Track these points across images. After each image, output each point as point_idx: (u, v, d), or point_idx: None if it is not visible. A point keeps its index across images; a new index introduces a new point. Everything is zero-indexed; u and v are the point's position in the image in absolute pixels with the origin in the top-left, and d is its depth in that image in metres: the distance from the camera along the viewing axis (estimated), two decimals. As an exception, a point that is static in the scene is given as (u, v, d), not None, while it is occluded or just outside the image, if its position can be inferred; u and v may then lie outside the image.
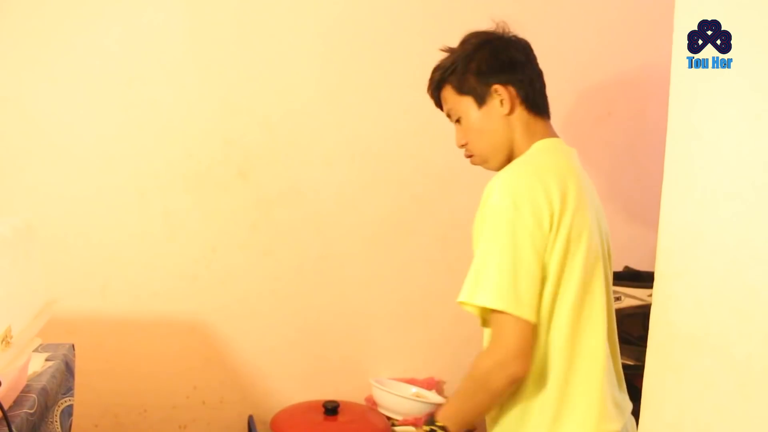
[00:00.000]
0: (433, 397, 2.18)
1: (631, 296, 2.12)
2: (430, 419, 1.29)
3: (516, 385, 1.22)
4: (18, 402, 1.11)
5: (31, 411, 1.11)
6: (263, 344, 2.19)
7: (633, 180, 2.44)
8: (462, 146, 1.42)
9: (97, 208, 2.01)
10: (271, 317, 2.18)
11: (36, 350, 1.37)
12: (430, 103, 1.49)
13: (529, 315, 1.18)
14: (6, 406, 0.94)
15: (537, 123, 1.36)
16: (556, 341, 1.25)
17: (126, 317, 2.06)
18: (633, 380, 1.69)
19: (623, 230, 2.48)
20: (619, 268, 2.38)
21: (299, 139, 2.13)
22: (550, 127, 1.39)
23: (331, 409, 2.02)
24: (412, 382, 2.26)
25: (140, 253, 2.06)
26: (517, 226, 1.19)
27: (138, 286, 2.07)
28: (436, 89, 1.43)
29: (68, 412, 1.33)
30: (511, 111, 1.34)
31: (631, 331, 2.13)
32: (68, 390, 1.35)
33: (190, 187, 2.06)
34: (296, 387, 2.22)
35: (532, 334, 1.19)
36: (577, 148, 2.41)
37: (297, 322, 2.21)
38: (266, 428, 2.09)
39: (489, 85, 1.34)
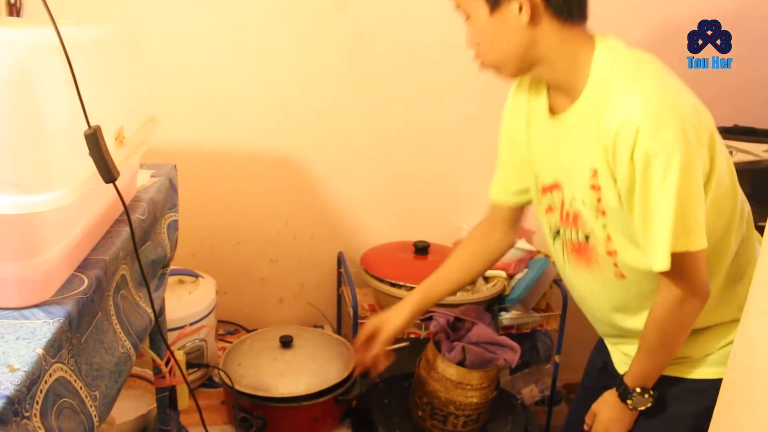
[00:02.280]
0: (522, 244, 2.16)
1: (744, 151, 1.99)
2: (625, 389, 1.28)
3: None
4: (130, 208, 1.13)
5: (143, 217, 1.13)
6: (356, 183, 2.19)
7: (742, 34, 2.26)
8: (471, 47, 1.22)
9: (192, 38, 1.97)
10: (364, 155, 2.16)
11: (141, 167, 1.39)
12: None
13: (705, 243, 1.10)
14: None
15: (572, 31, 1.14)
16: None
17: (220, 149, 2.08)
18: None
19: (732, 88, 2.31)
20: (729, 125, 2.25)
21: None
22: (586, 29, 1.17)
23: (422, 248, 2.03)
24: (502, 229, 2.23)
25: (235, 85, 2.03)
26: (693, 159, 1.05)
27: (233, 119, 2.06)
28: None
29: (174, 226, 1.36)
30: (533, 21, 1.10)
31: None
32: (173, 205, 1.38)
33: (285, 17, 1.99)
34: (386, 227, 2.23)
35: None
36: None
37: (391, 161, 2.19)
38: (355, 265, 2.12)
39: None
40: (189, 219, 1.92)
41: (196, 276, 1.99)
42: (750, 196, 2.04)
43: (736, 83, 2.29)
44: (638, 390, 1.27)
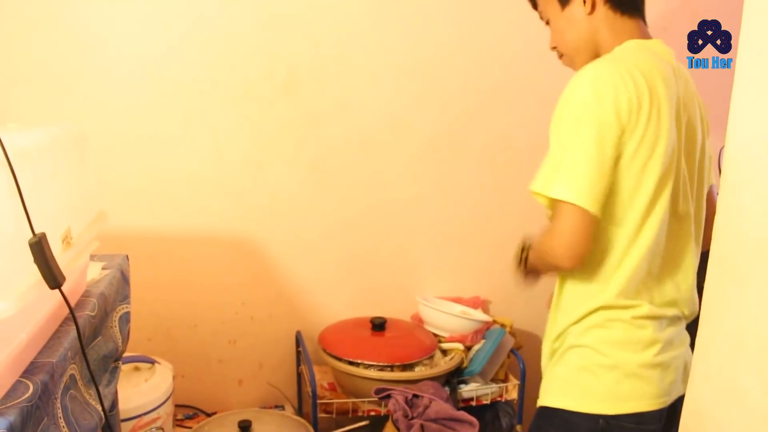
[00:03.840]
0: (479, 315, 2.19)
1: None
2: (525, 243, 1.36)
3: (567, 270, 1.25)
4: (79, 305, 1.13)
5: (92, 314, 1.13)
6: (310, 261, 2.20)
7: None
8: (553, 49, 1.38)
9: (144, 125, 2.00)
10: (318, 235, 2.19)
11: (92, 260, 1.40)
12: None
13: (596, 209, 1.15)
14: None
15: (624, 22, 1.29)
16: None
17: (175, 234, 2.09)
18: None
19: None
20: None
21: (345, 54, 2.09)
22: (641, 27, 1.31)
23: (379, 324, 2.05)
24: (458, 300, 2.27)
25: (188, 170, 2.06)
26: (600, 122, 1.15)
27: (186, 203, 2.08)
28: None
29: (126, 318, 1.35)
30: (593, 11, 1.28)
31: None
32: (125, 298, 1.38)
33: (236, 104, 2.04)
34: (343, 304, 2.25)
35: (593, 228, 1.17)
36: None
37: (344, 240, 2.22)
38: (314, 344, 2.12)
39: None
40: (145, 303, 1.93)
41: (152, 362, 1.97)
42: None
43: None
44: (525, 253, 1.35)
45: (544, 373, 1.38)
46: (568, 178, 1.15)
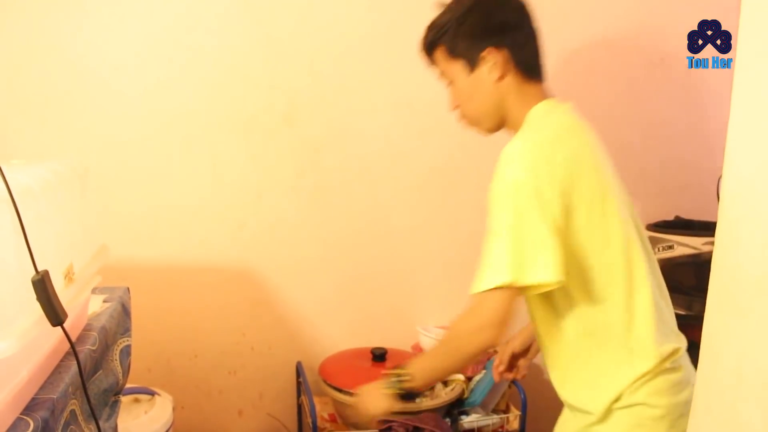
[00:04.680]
0: (480, 345, 2.18)
1: (684, 245, 2.07)
2: (401, 366, 1.33)
3: (487, 350, 1.22)
4: (80, 339, 1.14)
5: (93, 348, 1.14)
6: (311, 291, 2.21)
7: (684, 129, 2.38)
8: (455, 108, 1.38)
9: (144, 156, 2.02)
10: (318, 265, 2.19)
11: (94, 292, 1.40)
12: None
13: (528, 279, 1.14)
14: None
15: (530, 87, 1.30)
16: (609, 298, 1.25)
17: (175, 264, 2.09)
18: (684, 330, 1.66)
19: (674, 179, 2.43)
20: (670, 218, 2.34)
21: (345, 85, 2.11)
22: (544, 89, 1.33)
23: (379, 355, 2.04)
24: (458, 330, 2.26)
25: (188, 201, 2.07)
26: (531, 198, 1.15)
27: (186, 234, 2.09)
28: (428, 49, 1.37)
29: (127, 351, 1.35)
30: (502, 77, 1.28)
31: (683, 281, 2.09)
32: (126, 330, 1.38)
33: (236, 134, 2.06)
34: (343, 334, 2.24)
35: (513, 302, 1.17)
36: (628, 95, 2.34)
37: (344, 269, 2.22)
38: (314, 374, 2.11)
39: (480, 50, 1.28)
40: (145, 334, 1.92)
41: (152, 394, 1.96)
42: (694, 287, 2.11)
43: (674, 169, 2.40)
44: (406, 370, 1.32)
45: None
46: (495, 266, 1.16)
